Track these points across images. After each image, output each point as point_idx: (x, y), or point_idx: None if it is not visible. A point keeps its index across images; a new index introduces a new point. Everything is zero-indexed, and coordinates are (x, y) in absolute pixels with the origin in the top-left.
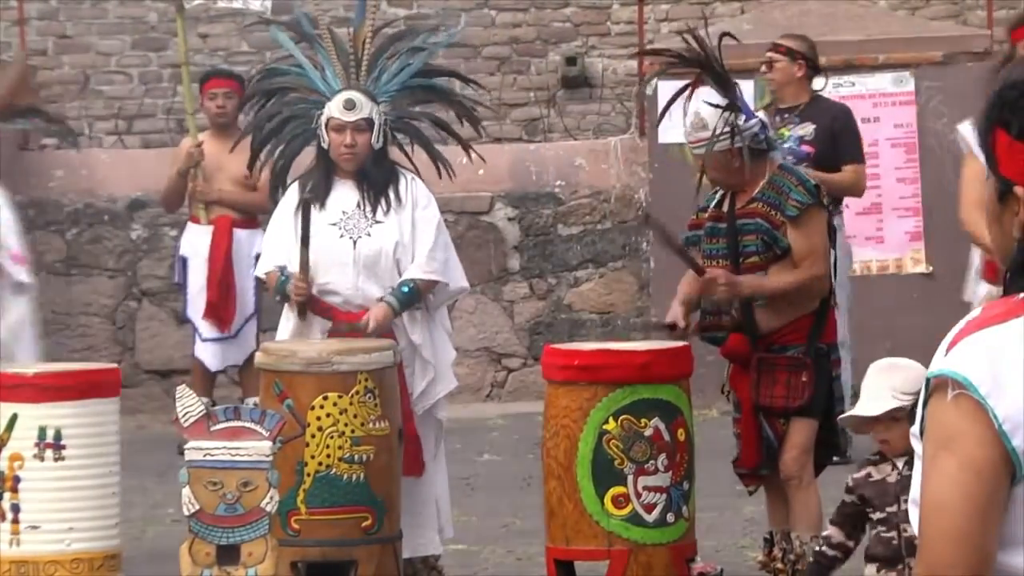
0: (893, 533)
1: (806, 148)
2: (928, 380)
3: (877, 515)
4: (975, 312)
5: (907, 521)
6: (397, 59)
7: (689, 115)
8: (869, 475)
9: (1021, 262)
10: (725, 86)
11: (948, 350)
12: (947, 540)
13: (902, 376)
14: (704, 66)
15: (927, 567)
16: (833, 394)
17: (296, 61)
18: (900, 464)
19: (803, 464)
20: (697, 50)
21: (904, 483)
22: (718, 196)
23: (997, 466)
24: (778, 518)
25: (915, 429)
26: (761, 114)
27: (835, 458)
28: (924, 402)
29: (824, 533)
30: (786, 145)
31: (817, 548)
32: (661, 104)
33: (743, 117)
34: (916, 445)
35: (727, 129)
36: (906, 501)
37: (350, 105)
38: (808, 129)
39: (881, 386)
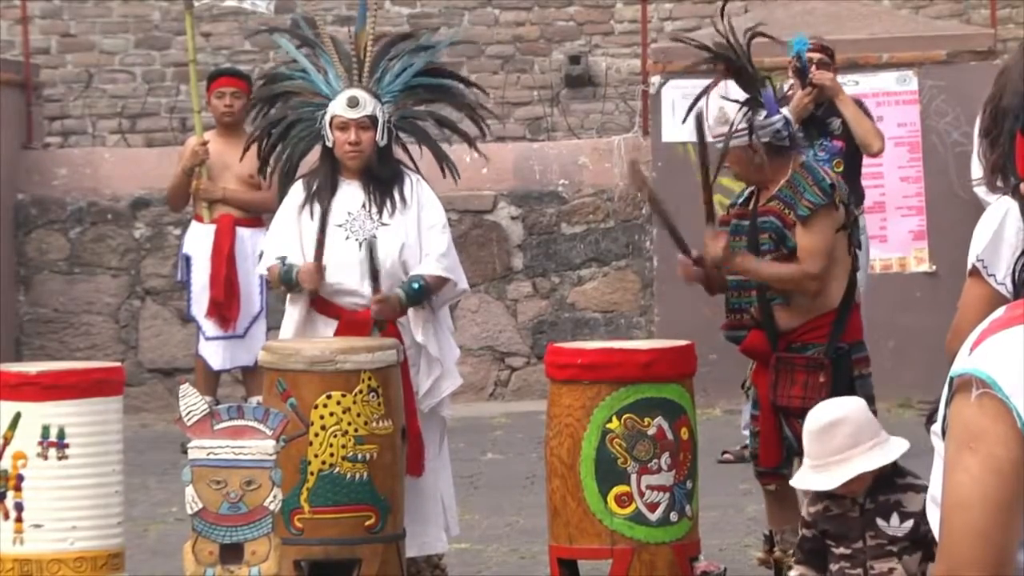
0: (859, 571)
1: (837, 143)
2: (951, 379)
3: (840, 550)
4: (999, 312)
5: (875, 557)
6: (399, 60)
7: (713, 110)
8: (828, 508)
9: None
10: (748, 82)
11: (972, 349)
12: (968, 539)
13: (842, 433)
14: (730, 60)
15: (948, 566)
16: (856, 393)
17: (299, 65)
18: (862, 499)
19: None
20: (726, 44)
21: (868, 519)
22: (746, 193)
23: (1019, 466)
24: (777, 518)
25: (936, 427)
26: (785, 111)
27: None
28: (947, 401)
29: (794, 574)
30: (819, 141)
31: None
32: (664, 103)
33: (763, 113)
34: (937, 443)
35: (744, 126)
36: (872, 537)
37: (353, 103)
38: (835, 123)
39: (826, 453)
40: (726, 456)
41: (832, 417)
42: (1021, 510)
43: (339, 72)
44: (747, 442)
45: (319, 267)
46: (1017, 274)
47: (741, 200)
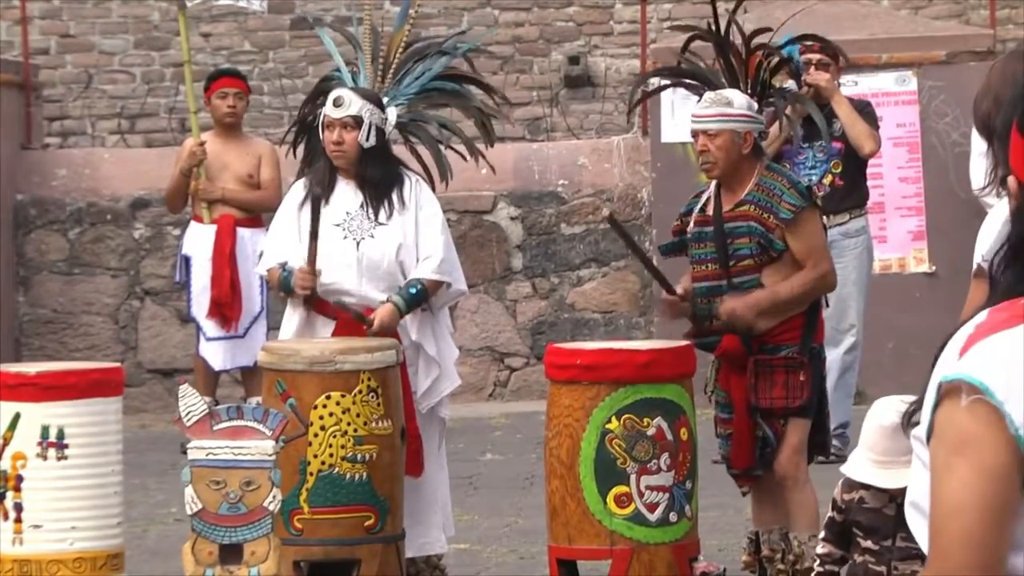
0: (883, 568)
1: (836, 144)
2: (940, 384)
3: (867, 543)
4: (981, 316)
5: (901, 559)
6: (422, 62)
7: (709, 94)
8: (863, 500)
9: (1021, 259)
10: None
11: (961, 354)
12: (961, 545)
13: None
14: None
15: (940, 572)
16: (822, 394)
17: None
18: (900, 498)
19: (798, 464)
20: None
21: (903, 519)
22: (702, 200)
23: (1011, 471)
24: (764, 518)
25: (920, 432)
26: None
27: (819, 457)
28: (934, 406)
29: (822, 551)
30: (818, 142)
31: (818, 568)
32: (663, 104)
33: (759, 111)
34: (918, 448)
35: (750, 113)
36: (903, 539)
37: (339, 102)
38: (836, 125)
39: (896, 452)
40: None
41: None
42: (1013, 515)
43: (367, 72)
44: None
45: (312, 270)
46: (995, 267)
47: (697, 208)
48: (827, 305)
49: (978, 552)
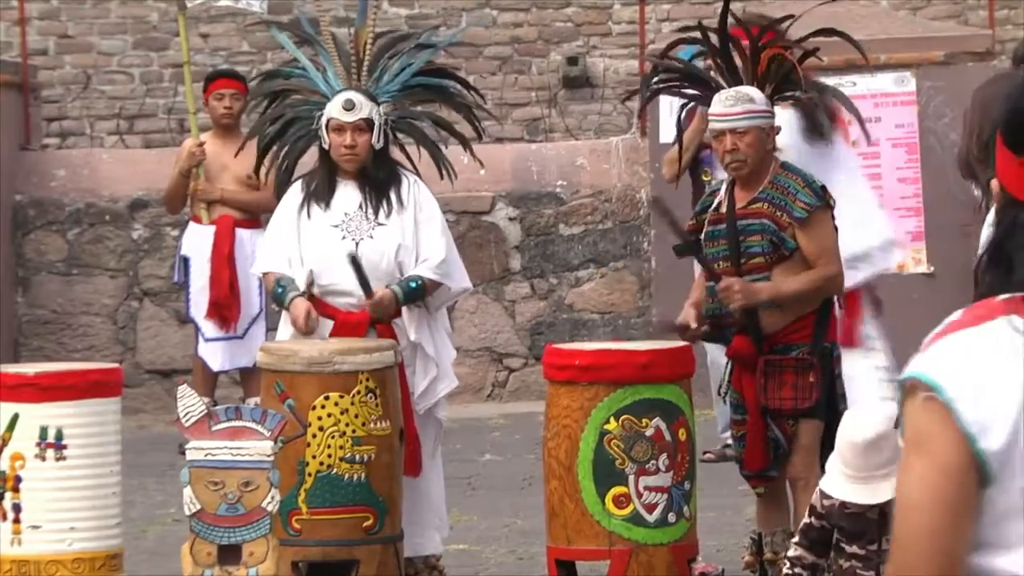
0: (871, 572)
1: None
2: (902, 382)
3: (853, 548)
4: (956, 314)
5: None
6: (399, 59)
7: (727, 92)
8: (844, 505)
9: (998, 261)
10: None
11: (924, 351)
12: (916, 541)
13: (889, 446)
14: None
15: (896, 567)
16: (835, 392)
17: (299, 63)
18: (883, 503)
19: (810, 465)
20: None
21: (885, 523)
22: (716, 200)
23: (964, 469)
24: (769, 520)
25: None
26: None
27: None
28: (900, 403)
29: (793, 554)
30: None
31: (788, 571)
32: (662, 104)
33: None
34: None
35: (769, 107)
36: (888, 542)
37: (349, 105)
38: None
39: (871, 467)
40: (707, 455)
41: (880, 430)
42: (968, 512)
43: (338, 71)
44: (728, 442)
45: (309, 311)
46: (978, 268)
47: (712, 207)
48: (840, 305)
49: (932, 549)
